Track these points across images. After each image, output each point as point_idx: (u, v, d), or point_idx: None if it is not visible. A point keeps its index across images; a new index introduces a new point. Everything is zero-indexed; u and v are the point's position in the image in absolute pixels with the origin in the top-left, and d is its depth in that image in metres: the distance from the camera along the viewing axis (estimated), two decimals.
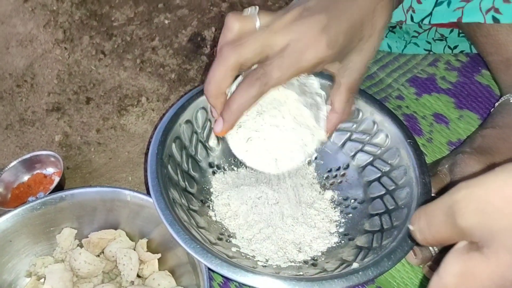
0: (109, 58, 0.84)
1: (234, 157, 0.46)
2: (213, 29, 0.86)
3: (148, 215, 0.51)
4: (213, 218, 0.51)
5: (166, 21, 0.88)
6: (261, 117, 0.43)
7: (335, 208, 0.53)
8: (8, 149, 0.73)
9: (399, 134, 0.52)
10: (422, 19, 0.56)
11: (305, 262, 0.47)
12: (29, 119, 0.77)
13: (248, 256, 0.47)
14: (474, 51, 0.68)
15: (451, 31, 0.66)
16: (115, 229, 0.53)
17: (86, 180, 0.68)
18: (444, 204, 0.26)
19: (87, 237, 0.52)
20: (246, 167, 0.57)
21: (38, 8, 0.93)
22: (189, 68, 0.81)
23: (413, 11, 0.56)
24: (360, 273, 0.41)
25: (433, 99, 0.66)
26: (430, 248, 0.48)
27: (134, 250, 0.51)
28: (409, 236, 0.43)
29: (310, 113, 0.44)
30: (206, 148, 0.55)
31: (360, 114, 0.54)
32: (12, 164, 0.66)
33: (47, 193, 0.62)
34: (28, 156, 0.66)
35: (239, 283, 0.52)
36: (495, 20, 0.51)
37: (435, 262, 0.49)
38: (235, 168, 0.57)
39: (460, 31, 0.66)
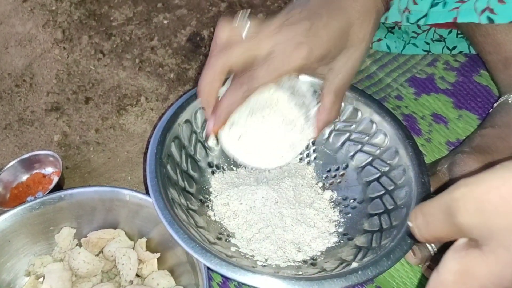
0: (108, 58, 0.84)
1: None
2: (212, 29, 0.86)
3: (147, 215, 0.51)
4: (212, 218, 0.51)
5: (165, 21, 0.88)
6: (252, 116, 0.46)
7: (334, 208, 0.53)
8: (7, 148, 0.73)
9: (398, 134, 0.52)
10: (418, 20, 0.57)
11: (304, 261, 0.47)
12: (28, 119, 0.77)
13: (247, 256, 0.47)
14: (473, 51, 0.68)
15: (450, 32, 0.67)
16: (114, 228, 0.53)
17: (85, 179, 0.68)
18: (443, 201, 0.26)
19: (86, 236, 0.52)
20: (245, 167, 0.57)
21: (37, 8, 0.92)
22: (188, 68, 0.81)
23: (409, 12, 0.57)
24: (359, 272, 0.41)
25: (432, 99, 0.66)
26: (429, 247, 0.48)
27: (133, 249, 0.51)
28: (409, 233, 0.43)
29: (300, 112, 0.47)
30: (205, 148, 0.55)
31: (359, 114, 0.54)
32: (11, 163, 0.65)
33: (46, 192, 0.62)
34: (27, 155, 0.66)
35: (238, 282, 0.52)
36: (490, 20, 0.51)
37: (434, 261, 0.49)
38: (234, 168, 0.57)
39: (459, 32, 0.66)
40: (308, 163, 0.57)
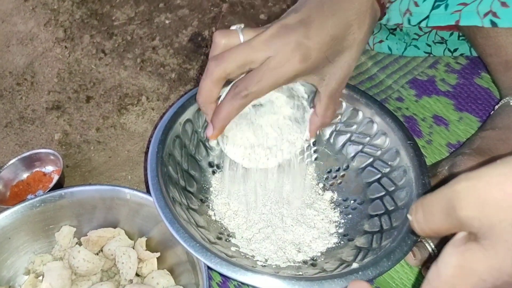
0: (109, 57, 0.84)
1: None
2: (214, 29, 0.87)
3: (147, 214, 0.51)
4: (213, 218, 0.51)
5: (167, 21, 0.88)
6: (250, 117, 0.46)
7: (334, 208, 0.53)
8: (8, 147, 0.73)
9: (399, 135, 0.52)
10: (419, 22, 0.57)
11: (305, 262, 0.47)
12: (29, 117, 0.77)
13: (247, 256, 0.47)
14: (474, 54, 0.68)
15: (451, 34, 0.67)
16: (114, 227, 0.53)
17: (85, 178, 0.68)
18: (443, 195, 0.26)
19: (86, 235, 0.52)
20: (245, 167, 0.57)
21: (38, 7, 0.93)
22: (189, 68, 0.81)
23: (410, 14, 0.57)
24: (359, 273, 0.41)
25: (432, 101, 0.66)
26: (429, 249, 0.48)
27: (133, 248, 0.51)
28: (410, 232, 0.43)
29: (296, 114, 0.48)
30: (206, 147, 0.56)
31: (361, 115, 0.55)
32: (12, 161, 0.65)
33: (46, 191, 0.62)
34: (27, 154, 0.66)
35: (238, 282, 0.52)
36: (493, 24, 0.51)
37: None
38: (235, 168, 0.57)
39: (460, 34, 0.66)
40: (309, 163, 0.57)
